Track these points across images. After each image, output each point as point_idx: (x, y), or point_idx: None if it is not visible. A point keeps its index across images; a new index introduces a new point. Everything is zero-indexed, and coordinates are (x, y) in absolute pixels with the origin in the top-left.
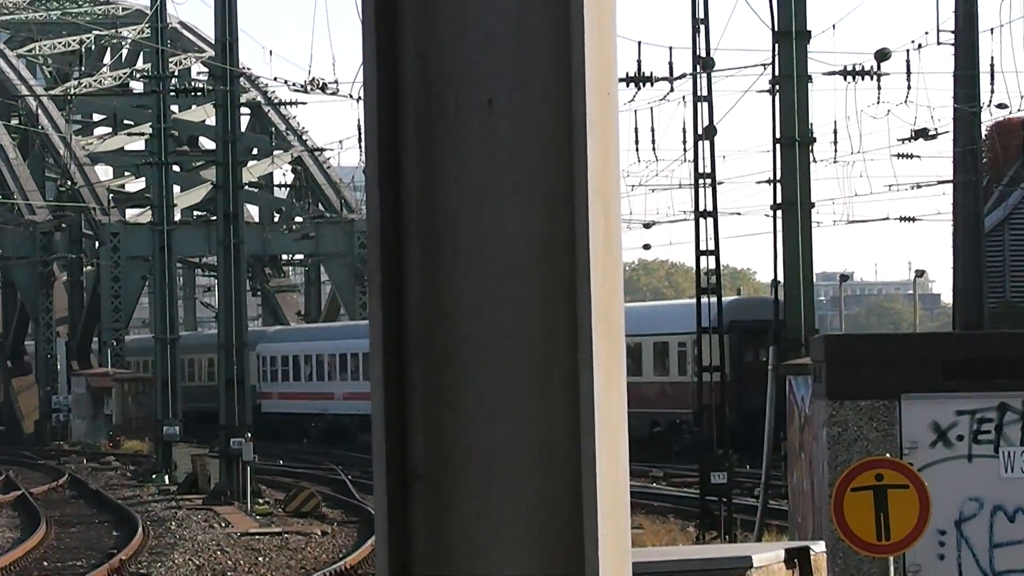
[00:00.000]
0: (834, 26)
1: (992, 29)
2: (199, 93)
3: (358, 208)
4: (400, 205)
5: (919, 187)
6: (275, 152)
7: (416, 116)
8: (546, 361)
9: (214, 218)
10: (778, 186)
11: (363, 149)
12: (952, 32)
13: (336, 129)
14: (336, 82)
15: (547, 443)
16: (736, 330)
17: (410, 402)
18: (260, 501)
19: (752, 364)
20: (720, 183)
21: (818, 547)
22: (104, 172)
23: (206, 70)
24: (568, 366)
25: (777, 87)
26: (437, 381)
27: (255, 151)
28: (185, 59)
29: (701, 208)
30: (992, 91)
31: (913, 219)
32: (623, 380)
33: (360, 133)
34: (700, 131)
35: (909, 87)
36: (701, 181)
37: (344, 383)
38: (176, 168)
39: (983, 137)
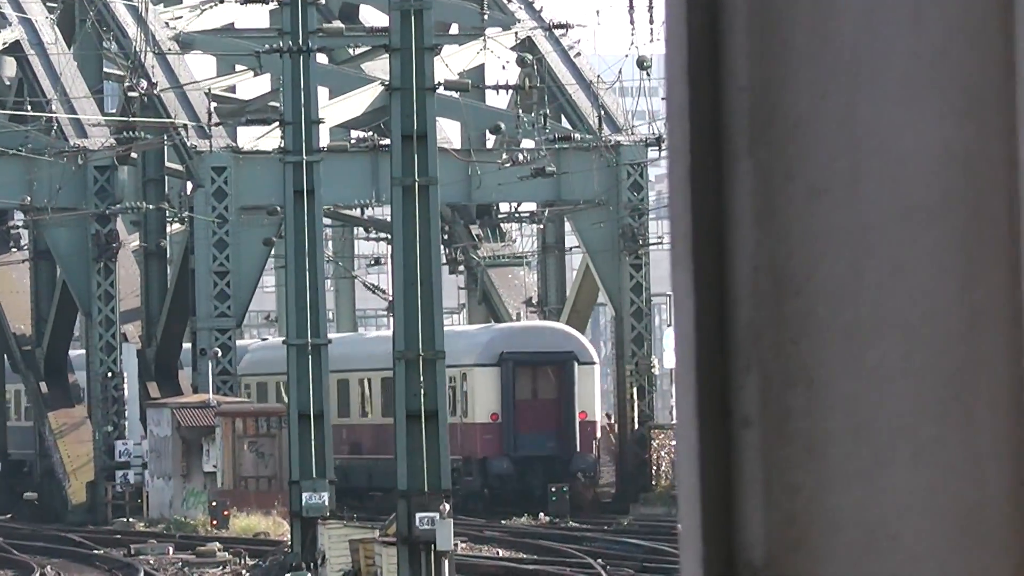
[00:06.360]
0: None
1: None
2: None
3: (628, 124)
4: (721, 112)
5: None
6: (488, 31)
7: None
8: (968, 370)
9: (385, 142)
10: None
11: (635, 23)
12: None
13: None
14: None
15: (970, 508)
16: None
17: (740, 443)
18: None
19: None
20: None
21: None
22: (202, 65)
23: None
24: (1006, 379)
25: None
26: (784, 406)
27: (454, 29)
28: None
29: None
30: None
31: None
32: None
33: None
34: None
35: None
36: None
37: None
38: (322, 59)
39: None
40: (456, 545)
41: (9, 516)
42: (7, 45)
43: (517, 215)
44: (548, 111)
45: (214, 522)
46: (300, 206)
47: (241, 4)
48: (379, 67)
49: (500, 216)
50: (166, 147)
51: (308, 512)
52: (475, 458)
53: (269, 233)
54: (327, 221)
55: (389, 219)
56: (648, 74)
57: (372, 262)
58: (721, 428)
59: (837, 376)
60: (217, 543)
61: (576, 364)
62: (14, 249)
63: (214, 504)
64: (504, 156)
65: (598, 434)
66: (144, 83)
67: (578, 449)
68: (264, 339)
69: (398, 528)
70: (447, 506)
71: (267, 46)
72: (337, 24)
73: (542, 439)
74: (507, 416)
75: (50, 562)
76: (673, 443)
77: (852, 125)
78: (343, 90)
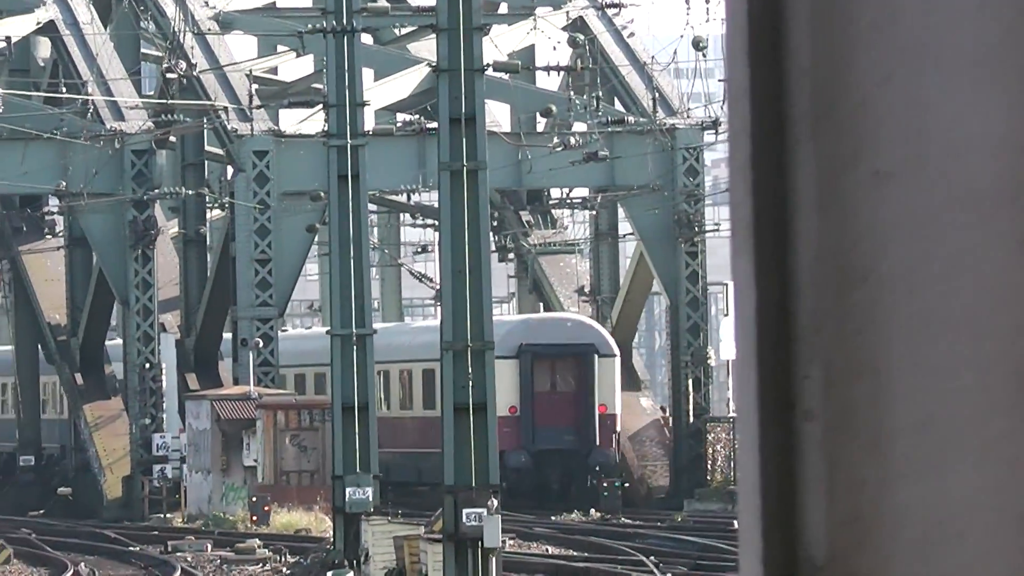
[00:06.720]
0: None
1: None
2: None
3: (683, 107)
4: (783, 94)
5: None
6: (538, 10)
7: None
8: None
9: (432, 125)
10: None
11: (690, 2)
12: None
13: None
14: None
15: None
16: None
17: (802, 436)
18: None
19: None
20: None
21: None
22: (242, 46)
23: None
24: None
25: None
26: (848, 398)
27: (503, 8)
28: None
29: None
30: None
31: None
32: None
33: None
34: None
35: None
36: None
37: None
38: (367, 39)
39: None
40: (504, 542)
41: (42, 512)
42: (41, 25)
43: (569, 201)
44: (601, 93)
45: (254, 518)
46: (344, 191)
47: None
48: (426, 48)
49: (551, 202)
50: (206, 130)
51: (351, 508)
52: None
53: (312, 219)
54: (372, 207)
55: (436, 205)
56: (704, 55)
57: (419, 249)
58: (783, 421)
59: (903, 368)
60: (257, 540)
61: (596, 356)
62: (49, 236)
63: (254, 499)
64: (555, 140)
65: (618, 427)
66: (183, 64)
67: (597, 443)
68: (284, 330)
69: (444, 524)
70: (495, 502)
71: (310, 26)
72: (383, 3)
73: (560, 433)
74: (525, 409)
75: (84, 559)
76: (729, 436)
77: (918, 108)
78: (389, 71)
